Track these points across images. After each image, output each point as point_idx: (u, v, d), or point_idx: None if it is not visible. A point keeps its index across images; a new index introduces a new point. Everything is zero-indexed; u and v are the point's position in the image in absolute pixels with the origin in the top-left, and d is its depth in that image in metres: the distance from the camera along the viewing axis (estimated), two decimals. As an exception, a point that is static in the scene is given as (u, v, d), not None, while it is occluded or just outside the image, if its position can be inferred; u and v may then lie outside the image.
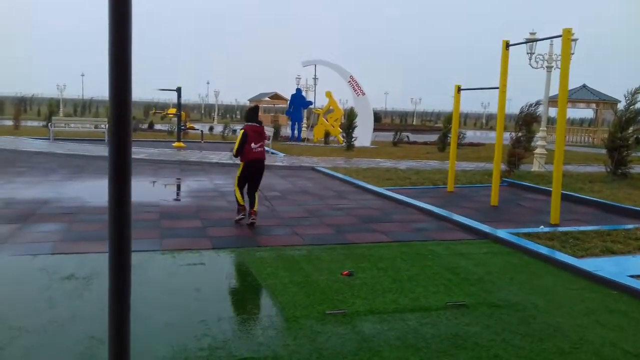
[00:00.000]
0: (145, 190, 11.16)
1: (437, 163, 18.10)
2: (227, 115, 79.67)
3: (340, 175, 13.70)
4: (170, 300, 4.94)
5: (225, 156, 17.91)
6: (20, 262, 6.00)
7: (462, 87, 11.38)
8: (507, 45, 9.80)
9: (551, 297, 5.32)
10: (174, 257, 6.31)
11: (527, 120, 13.18)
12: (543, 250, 6.80)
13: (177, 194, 10.98)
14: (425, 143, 29.05)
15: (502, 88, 9.82)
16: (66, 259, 6.09)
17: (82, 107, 70.89)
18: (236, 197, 8.32)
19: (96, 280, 5.43)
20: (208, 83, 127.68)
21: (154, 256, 6.31)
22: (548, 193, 11.55)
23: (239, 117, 79.21)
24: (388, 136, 31.94)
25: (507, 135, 37.24)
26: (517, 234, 7.63)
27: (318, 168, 15.47)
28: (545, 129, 16.11)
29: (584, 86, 36.23)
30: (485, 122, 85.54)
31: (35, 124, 34.75)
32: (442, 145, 22.87)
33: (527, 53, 15.52)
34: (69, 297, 4.94)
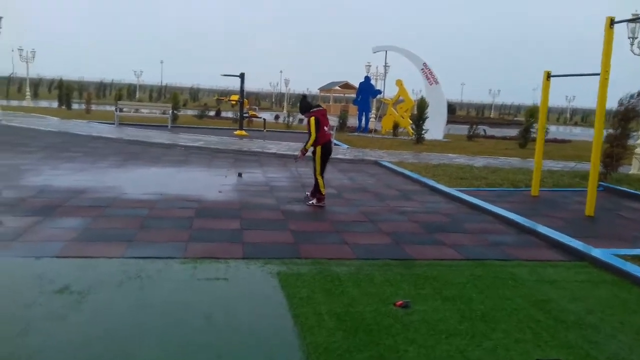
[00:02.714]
0: (189, 181, 10.28)
1: (518, 161, 16.29)
2: (297, 105, 79.12)
3: (406, 172, 12.32)
4: (165, 331, 3.87)
5: (284, 147, 16.92)
6: (18, 266, 5.15)
7: (552, 74, 9.70)
8: (612, 22, 8.08)
9: (685, 358, 3.84)
10: (195, 267, 5.27)
11: (627, 115, 11.23)
12: (663, 282, 5.22)
13: (223, 188, 10.01)
14: (504, 138, 26.93)
15: (605, 74, 8.12)
16: (70, 265, 5.18)
17: (157, 93, 72.60)
18: (319, 187, 8.50)
19: (92, 295, 4.46)
20: (281, 72, 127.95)
21: (171, 265, 5.29)
22: (655, 202, 9.73)
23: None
24: (463, 129, 29.96)
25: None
26: (623, 257, 6.06)
27: (382, 162, 14.14)
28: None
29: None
30: (569, 116, 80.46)
31: (109, 108, 35.39)
32: (524, 140, 20.85)
33: (629, 37, 13.43)
34: (50, 319, 3.98)
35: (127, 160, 12.69)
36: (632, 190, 10.53)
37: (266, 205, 8.36)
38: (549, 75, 9.67)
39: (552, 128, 40.80)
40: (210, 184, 10.15)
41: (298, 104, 8.95)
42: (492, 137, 27.20)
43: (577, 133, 42.77)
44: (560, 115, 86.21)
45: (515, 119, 69.88)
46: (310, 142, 8.43)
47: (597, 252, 6.18)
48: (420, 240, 6.74)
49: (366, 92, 26.39)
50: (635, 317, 4.54)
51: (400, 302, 4.51)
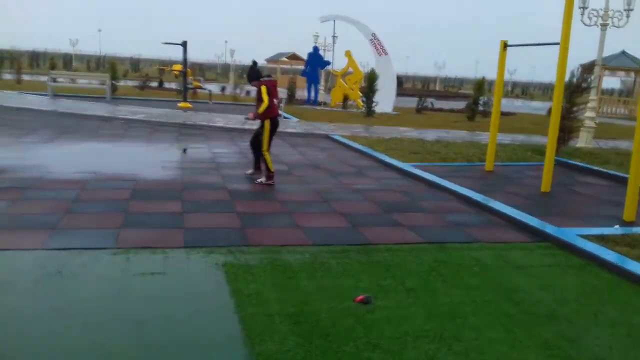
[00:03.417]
0: (126, 158, 9.47)
1: (468, 134, 16.14)
2: (244, 76, 77.44)
3: (359, 147, 11.86)
4: (87, 343, 3.26)
5: (232, 120, 16.14)
6: None
7: (508, 43, 9.37)
8: (571, -9, 7.77)
9: (668, 353, 3.55)
10: (128, 259, 4.63)
11: (578, 88, 11.10)
12: (632, 266, 4.98)
13: (164, 165, 9.26)
14: (451, 110, 26.91)
15: (564, 44, 7.83)
16: (-24, 261, 4.44)
17: (96, 63, 69.21)
18: (267, 164, 7.91)
19: None
20: (226, 42, 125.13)
21: (100, 258, 4.63)
22: (608, 177, 9.70)
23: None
24: (410, 102, 29.74)
25: (539, 105, 34.97)
26: (587, 237, 5.81)
27: (333, 136, 13.64)
28: (595, 97, 14.01)
29: (623, 52, 33.44)
30: (510, 89, 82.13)
31: (43, 79, 33.17)
32: (472, 113, 20.77)
33: (580, 8, 13.31)
34: (-57, 333, 3.29)
35: (58, 134, 11.66)
36: (584, 165, 10.47)
37: (211, 185, 7.71)
38: (505, 45, 9.34)
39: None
40: (150, 160, 9.37)
41: (247, 75, 8.25)
42: (440, 109, 27.13)
43: (520, 105, 43.57)
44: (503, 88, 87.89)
45: (460, 91, 70.74)
46: (263, 107, 7.79)
47: (560, 233, 5.92)
48: (377, 221, 6.29)
49: (315, 63, 25.68)
50: (607, 307, 4.25)
51: (361, 297, 4.04)
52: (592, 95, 13.22)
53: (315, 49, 26.19)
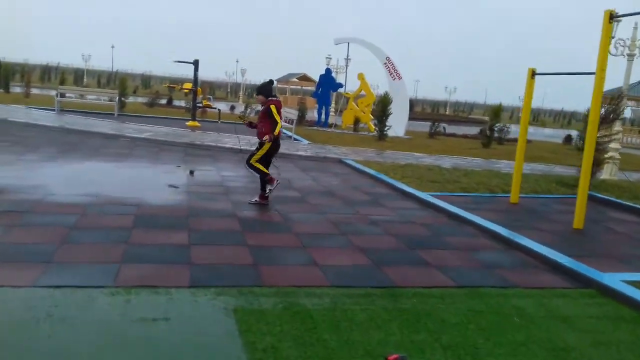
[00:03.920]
0: (130, 180, 9.00)
1: (484, 161, 15.62)
2: (254, 95, 77.50)
3: (374, 173, 11.36)
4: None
5: (243, 140, 15.68)
6: None
7: (537, 72, 8.90)
8: (612, 16, 7.33)
9: None
10: (128, 301, 4.12)
11: (608, 118, 10.61)
12: (693, 322, 4.41)
13: (169, 188, 8.79)
14: (464, 136, 26.46)
15: (600, 72, 7.37)
16: (-43, 299, 3.94)
17: (107, 79, 69.48)
18: (261, 170, 7.73)
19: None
20: (237, 61, 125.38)
21: (96, 299, 4.12)
22: (642, 213, 9.12)
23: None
24: (421, 126, 29.36)
25: (551, 132, 34.56)
26: (633, 283, 5.25)
27: (346, 161, 13.16)
28: (621, 128, 13.51)
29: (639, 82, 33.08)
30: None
31: (53, 93, 33.03)
32: (487, 140, 20.28)
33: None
34: None
35: (61, 152, 11.23)
36: (615, 199, 9.91)
37: (220, 212, 7.22)
38: (533, 73, 8.87)
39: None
40: (155, 183, 8.90)
41: (259, 87, 7.94)
42: (453, 134, 26.69)
43: (532, 132, 43.06)
44: (513, 114, 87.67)
45: (470, 116, 70.41)
46: (278, 128, 7.58)
47: (604, 279, 5.36)
48: (400, 259, 5.76)
49: (327, 85, 25.33)
50: (675, 372, 3.69)
51: (395, 356, 3.50)
52: (617, 126, 12.70)
53: (328, 70, 25.88)
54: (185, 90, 20.75)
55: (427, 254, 5.99)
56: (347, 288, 4.76)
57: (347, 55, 27.01)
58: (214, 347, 3.57)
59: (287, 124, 17.74)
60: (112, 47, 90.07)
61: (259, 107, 8.43)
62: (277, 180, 7.92)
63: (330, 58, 30.21)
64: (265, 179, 7.80)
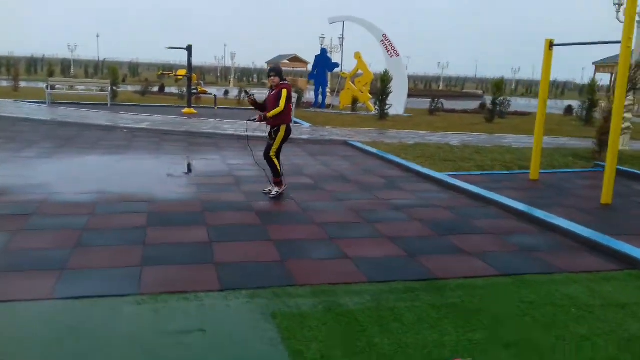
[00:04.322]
0: (135, 173, 8.62)
1: (491, 137, 15.30)
2: (244, 79, 76.70)
3: (383, 154, 11.02)
4: None
5: (242, 127, 15.29)
6: None
7: (554, 43, 8.54)
8: (637, -19, 6.96)
9: None
10: (156, 311, 3.79)
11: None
12: None
13: (178, 181, 8.43)
14: (464, 111, 26.12)
15: (627, 42, 7.02)
16: (-29, 319, 3.60)
17: (94, 69, 68.44)
18: (277, 169, 7.36)
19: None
20: (225, 45, 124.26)
21: (123, 309, 3.79)
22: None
23: (256, 80, 76.12)
24: (417, 103, 28.99)
25: (549, 103, 34.19)
26: (682, 262, 4.98)
27: (352, 143, 12.80)
28: (632, 98, 13.19)
29: None
30: (514, 88, 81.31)
31: (41, 85, 32.34)
32: (490, 115, 19.95)
33: (615, 4, 12.51)
34: None
35: (59, 147, 10.81)
36: (636, 171, 9.61)
37: (235, 204, 6.87)
38: (551, 44, 8.51)
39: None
40: (161, 175, 8.53)
41: (275, 67, 7.41)
42: (453, 110, 26.33)
43: (528, 104, 42.79)
44: (506, 87, 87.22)
45: (464, 91, 70.01)
46: (276, 111, 7.07)
47: (652, 258, 5.08)
48: (434, 247, 5.46)
49: (323, 65, 24.82)
50: None
51: (458, 361, 3.20)
52: (630, 95, 12.36)
53: (323, 50, 25.36)
54: (179, 77, 20.25)
55: (459, 240, 5.68)
56: (386, 283, 4.45)
57: (343, 34, 26.36)
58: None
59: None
60: (97, 36, 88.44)
61: (254, 92, 8.01)
62: (285, 185, 7.52)
63: (324, 38, 29.65)
64: (275, 180, 7.40)
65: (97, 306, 3.82)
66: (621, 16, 12.57)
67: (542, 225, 6.32)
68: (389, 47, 23.16)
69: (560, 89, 79.33)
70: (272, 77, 7.25)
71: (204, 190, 7.58)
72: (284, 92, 7.13)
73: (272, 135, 7.36)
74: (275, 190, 7.39)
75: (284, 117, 7.29)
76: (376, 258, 5.06)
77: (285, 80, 7.43)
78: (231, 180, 8.40)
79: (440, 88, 73.09)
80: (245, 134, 10.26)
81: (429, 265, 4.91)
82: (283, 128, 7.30)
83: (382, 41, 23.21)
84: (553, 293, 4.38)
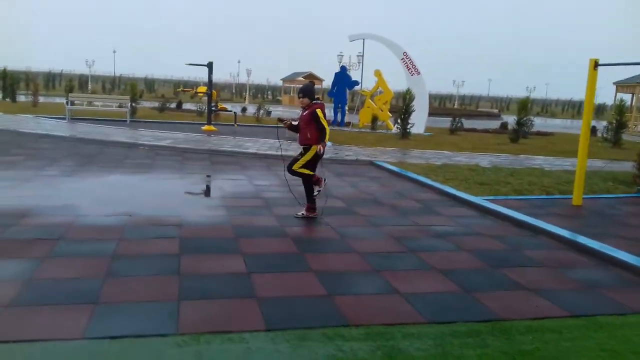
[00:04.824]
0: (162, 194, 8.32)
1: (518, 158, 14.88)
2: (259, 95, 76.99)
3: (414, 176, 10.65)
4: None
5: (263, 145, 15.03)
6: None
7: (599, 62, 8.17)
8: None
9: None
10: (199, 353, 3.43)
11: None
12: None
13: (206, 202, 8.11)
14: (486, 131, 25.70)
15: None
16: (-2, 363, 3.26)
17: (111, 84, 69.02)
18: (305, 174, 7.07)
19: None
20: (239, 62, 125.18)
21: (163, 351, 3.43)
22: None
23: (270, 97, 76.32)
24: (434, 121, 28.66)
25: (564, 123, 33.98)
26: None
27: (379, 163, 12.45)
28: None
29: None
30: (530, 106, 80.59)
31: (59, 100, 32.44)
32: (516, 135, 19.53)
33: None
34: None
35: (81, 165, 10.55)
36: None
37: (268, 229, 6.52)
38: (596, 64, 8.13)
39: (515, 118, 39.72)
40: (188, 196, 8.23)
41: (304, 88, 7.14)
42: (474, 130, 25.93)
43: (545, 124, 42.33)
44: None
45: (479, 109, 69.54)
46: (327, 135, 6.93)
47: None
48: (488, 282, 5.05)
49: (342, 83, 24.60)
50: None
51: None
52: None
53: (343, 68, 25.17)
54: (200, 94, 20.08)
55: (514, 274, 5.28)
56: (447, 324, 4.06)
57: (363, 52, 26.14)
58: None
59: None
60: (114, 51, 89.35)
61: (271, 109, 7.71)
62: (325, 180, 7.34)
63: (342, 55, 29.50)
64: (312, 182, 7.15)
65: (134, 348, 3.47)
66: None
67: (598, 257, 5.89)
68: (410, 65, 22.91)
69: (577, 108, 78.59)
70: (301, 98, 7.03)
71: (234, 213, 7.24)
72: (319, 112, 6.88)
73: (303, 152, 7.09)
74: (316, 189, 7.23)
75: (316, 138, 7.00)
76: (429, 294, 4.67)
77: (318, 99, 7.17)
78: (260, 202, 8.06)
79: (455, 106, 72.63)
80: (278, 141, 9.98)
81: (489, 303, 4.50)
82: (314, 148, 7.00)
83: (402, 59, 22.98)
84: (632, 338, 3.95)
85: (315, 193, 7.18)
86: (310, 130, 6.97)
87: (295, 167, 7.13)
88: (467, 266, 5.47)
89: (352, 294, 4.59)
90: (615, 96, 34.69)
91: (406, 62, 22.91)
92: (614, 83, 33.38)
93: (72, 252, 5.29)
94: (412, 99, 19.39)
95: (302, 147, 7.14)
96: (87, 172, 9.84)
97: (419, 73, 22.93)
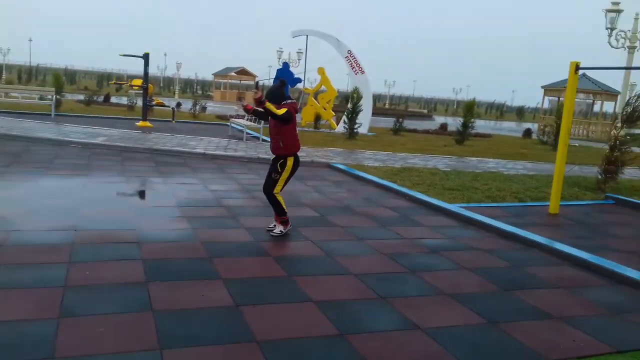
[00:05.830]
0: (111, 203, 7.25)
1: (468, 160, 14.71)
2: (187, 90, 74.51)
3: (379, 180, 10.07)
4: None
5: (211, 144, 14.01)
6: None
7: (580, 66, 7.89)
8: None
9: None
10: None
11: (632, 116, 9.78)
12: None
13: (163, 212, 7.11)
14: (427, 132, 25.72)
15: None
16: None
17: (27, 74, 64.46)
18: (281, 207, 6.21)
19: None
20: (165, 55, 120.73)
21: None
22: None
23: (200, 92, 73.98)
24: (375, 121, 28.37)
25: (489, 124, 34.72)
26: None
27: (337, 165, 11.80)
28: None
29: (584, 75, 33.65)
30: (455, 108, 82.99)
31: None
32: (461, 137, 19.49)
33: (607, 28, 12.19)
34: None
35: (6, 166, 9.18)
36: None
37: (244, 246, 5.69)
38: (577, 68, 7.85)
39: (447, 119, 40.54)
40: (141, 204, 7.24)
41: (268, 93, 6.21)
42: (415, 130, 25.85)
43: (483, 125, 43.30)
44: (448, 107, 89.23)
45: (409, 109, 70.59)
46: (273, 109, 5.86)
47: None
48: (509, 309, 4.49)
49: (285, 80, 23.73)
50: None
51: None
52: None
53: (285, 64, 24.26)
54: (135, 88, 18.65)
55: (531, 298, 4.76)
56: (489, 370, 3.43)
57: (307, 48, 25.39)
58: None
59: (254, 124, 16.15)
60: (30, 40, 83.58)
61: (208, 104, 6.83)
62: (290, 225, 6.33)
63: (282, 51, 28.65)
64: (281, 219, 6.25)
65: None
66: (613, 40, 12.28)
67: (604, 275, 5.52)
68: (354, 64, 22.44)
69: (499, 111, 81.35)
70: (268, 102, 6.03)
71: (199, 225, 6.33)
72: (268, 105, 5.89)
73: (279, 169, 6.20)
74: (279, 229, 6.24)
75: (292, 145, 6.20)
76: (454, 328, 4.03)
77: (289, 99, 6.27)
78: (224, 212, 7.18)
79: (386, 106, 73.49)
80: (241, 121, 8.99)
81: (523, 338, 3.92)
82: (291, 160, 6.20)
83: (346, 57, 22.47)
84: (695, 381, 3.50)
85: (277, 232, 6.23)
86: (283, 136, 6.13)
87: (276, 190, 6.22)
88: (477, 290, 4.90)
89: (367, 332, 3.87)
90: (543, 100, 36.02)
91: (350, 61, 22.41)
92: (542, 87, 34.56)
93: (11, 282, 4.25)
94: (360, 97, 18.93)
95: (274, 156, 6.30)
96: (14, 174, 8.53)
97: (363, 72, 22.49)
